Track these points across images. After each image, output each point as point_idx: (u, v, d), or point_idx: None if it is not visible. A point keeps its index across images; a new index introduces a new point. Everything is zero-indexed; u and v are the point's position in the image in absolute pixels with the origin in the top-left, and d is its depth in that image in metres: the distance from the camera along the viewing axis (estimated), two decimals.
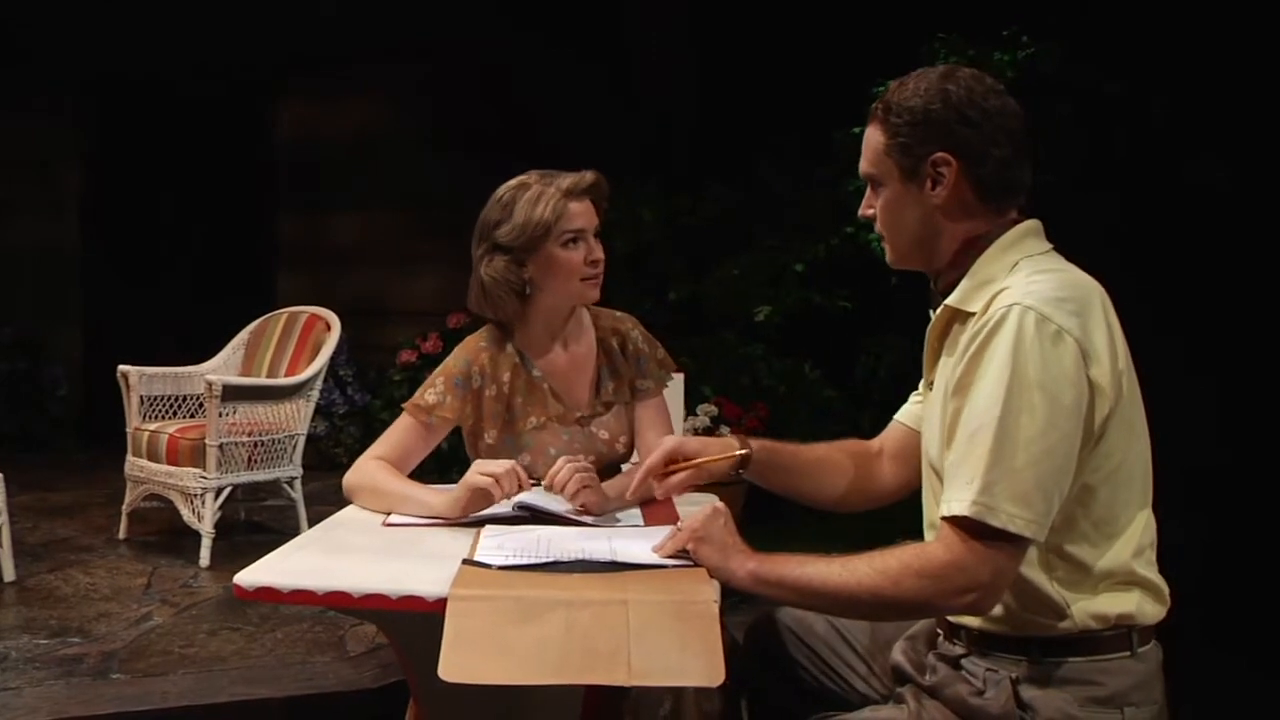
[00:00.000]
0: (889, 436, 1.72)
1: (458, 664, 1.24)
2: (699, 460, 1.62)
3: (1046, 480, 1.26)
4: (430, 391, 1.99)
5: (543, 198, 1.93)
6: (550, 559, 1.46)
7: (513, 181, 1.99)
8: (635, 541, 1.55)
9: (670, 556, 1.46)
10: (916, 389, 1.69)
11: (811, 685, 1.64)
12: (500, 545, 1.53)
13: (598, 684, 1.26)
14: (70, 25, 6.08)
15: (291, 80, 6.45)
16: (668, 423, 2.09)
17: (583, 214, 1.95)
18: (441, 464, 2.91)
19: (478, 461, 1.75)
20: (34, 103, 6.19)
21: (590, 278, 1.97)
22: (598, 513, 1.76)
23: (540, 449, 2.00)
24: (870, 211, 1.49)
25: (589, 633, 1.25)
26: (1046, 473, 1.25)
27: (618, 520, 1.77)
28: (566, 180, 1.95)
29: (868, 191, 1.50)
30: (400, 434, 1.97)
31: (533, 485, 1.79)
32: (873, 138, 1.45)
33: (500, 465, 1.71)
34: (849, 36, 5.03)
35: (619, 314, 2.14)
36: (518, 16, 5.89)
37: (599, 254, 1.97)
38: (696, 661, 1.24)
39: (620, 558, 1.46)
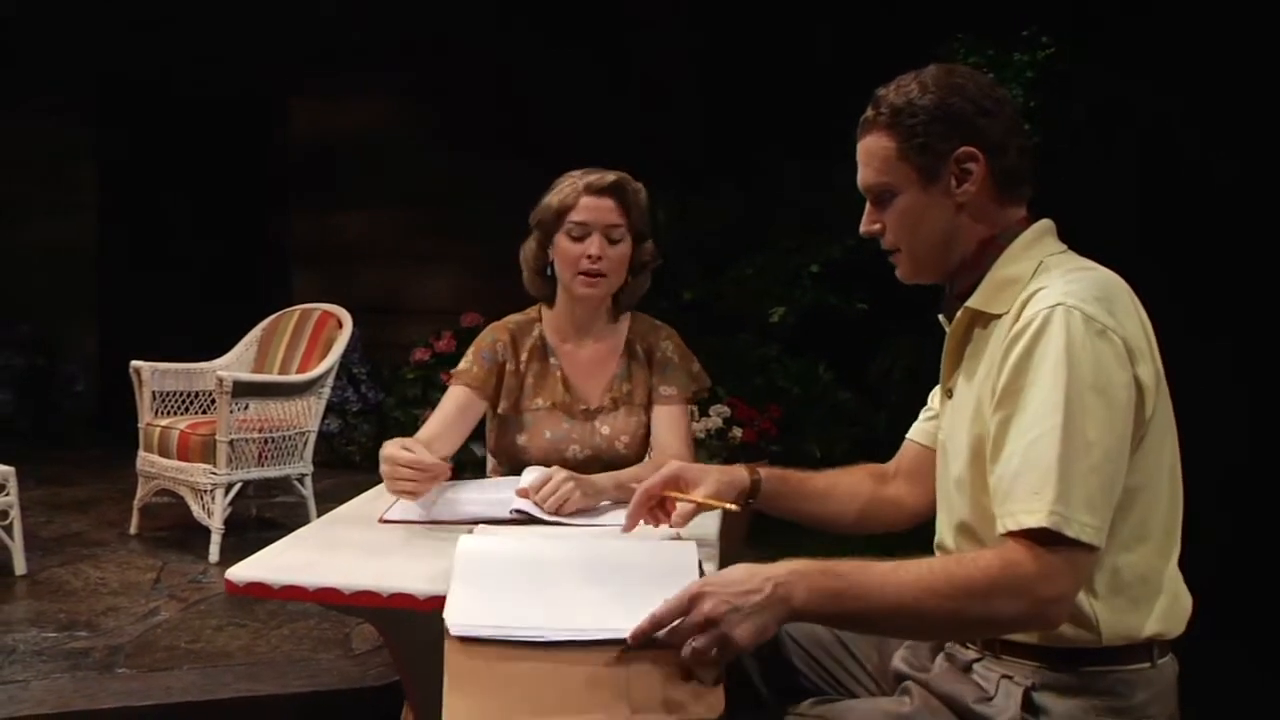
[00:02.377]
0: (904, 457, 1.66)
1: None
2: (697, 499, 1.54)
3: (1109, 485, 1.20)
4: (464, 360, 2.08)
5: (565, 187, 2.01)
6: (546, 635, 1.19)
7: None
8: (645, 586, 1.28)
9: None
10: (927, 402, 1.64)
11: (815, 694, 1.60)
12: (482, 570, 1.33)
13: None
14: (84, 25, 6.12)
15: (301, 79, 6.46)
16: (686, 431, 2.09)
17: (593, 209, 1.98)
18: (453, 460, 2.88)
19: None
20: (48, 102, 6.22)
21: (586, 273, 1.99)
22: (587, 507, 1.74)
23: (538, 430, 2.05)
24: (875, 227, 1.42)
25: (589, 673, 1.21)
26: (1109, 478, 1.20)
27: (603, 512, 1.74)
28: (593, 175, 2.01)
29: (868, 207, 1.42)
30: (443, 406, 2.04)
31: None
32: (877, 146, 1.38)
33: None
34: (855, 35, 4.99)
35: (659, 324, 2.18)
36: (524, 16, 5.89)
37: (596, 250, 1.97)
38: (695, 699, 1.22)
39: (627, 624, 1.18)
